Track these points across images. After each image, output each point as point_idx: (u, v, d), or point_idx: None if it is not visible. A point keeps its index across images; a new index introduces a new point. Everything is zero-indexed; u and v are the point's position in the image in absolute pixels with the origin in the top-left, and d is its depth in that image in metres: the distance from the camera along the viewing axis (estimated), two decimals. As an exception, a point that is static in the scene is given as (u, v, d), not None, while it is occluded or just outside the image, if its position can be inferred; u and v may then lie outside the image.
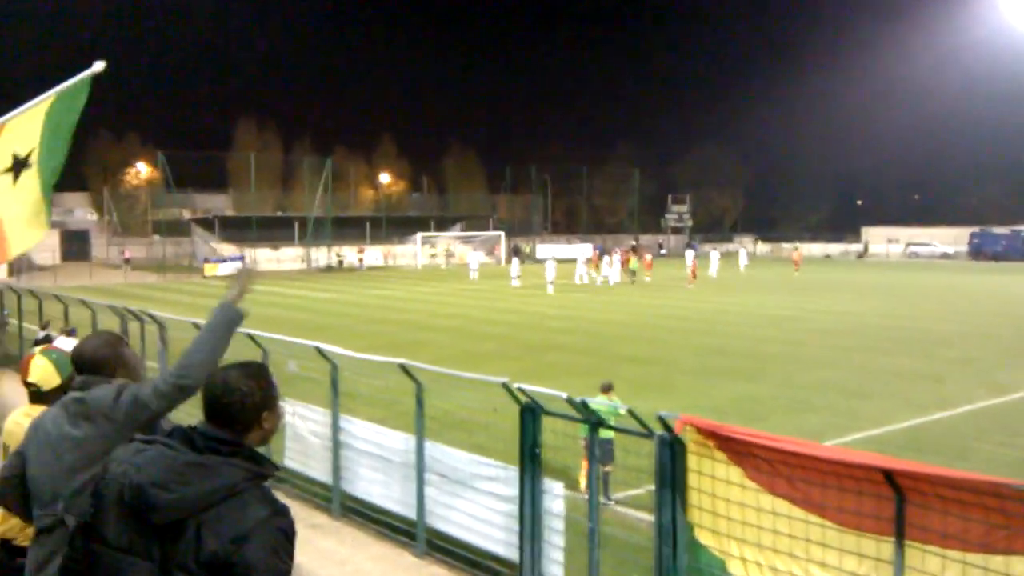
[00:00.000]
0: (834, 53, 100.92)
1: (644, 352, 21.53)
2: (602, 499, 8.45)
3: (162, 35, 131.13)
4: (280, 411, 2.64)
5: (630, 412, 6.42)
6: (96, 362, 3.73)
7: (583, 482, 8.88)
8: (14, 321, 20.46)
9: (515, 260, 47.06)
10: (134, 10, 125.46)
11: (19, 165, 5.05)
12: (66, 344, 4.34)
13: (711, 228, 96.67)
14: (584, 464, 9.13)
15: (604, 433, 8.33)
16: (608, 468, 9.68)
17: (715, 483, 5.66)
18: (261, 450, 2.64)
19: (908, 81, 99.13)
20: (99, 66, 4.82)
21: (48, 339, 12.44)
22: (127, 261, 60.44)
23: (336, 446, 9.61)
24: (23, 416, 4.42)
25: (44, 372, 4.28)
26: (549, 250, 70.77)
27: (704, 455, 5.73)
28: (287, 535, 2.41)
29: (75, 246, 70.88)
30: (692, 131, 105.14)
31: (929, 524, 4.67)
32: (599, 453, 7.30)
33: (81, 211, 75.47)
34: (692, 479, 5.82)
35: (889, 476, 4.74)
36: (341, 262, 63.67)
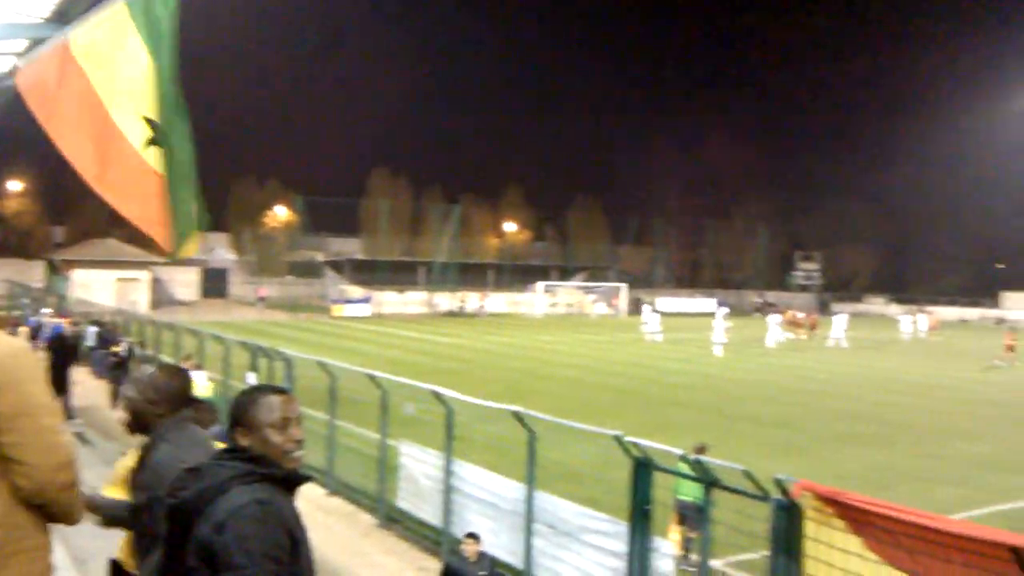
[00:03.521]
0: (975, 110, 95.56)
1: (770, 413, 20.91)
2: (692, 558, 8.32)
3: (302, 89, 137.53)
4: (262, 433, 2.75)
5: (746, 473, 6.27)
6: None
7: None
8: (150, 353, 21.60)
9: (652, 313, 45.72)
10: (275, 68, 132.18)
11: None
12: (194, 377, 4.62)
13: (840, 287, 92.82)
14: (672, 525, 8.93)
15: (689, 495, 8.29)
16: (693, 535, 8.92)
17: (832, 552, 5.46)
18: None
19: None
20: None
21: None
22: (262, 299, 63.05)
23: (448, 490, 9.73)
24: None
25: None
26: (671, 304, 69.83)
27: (822, 522, 5.55)
28: (261, 520, 2.52)
29: (214, 284, 74.54)
30: (823, 186, 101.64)
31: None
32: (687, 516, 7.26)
33: (221, 250, 79.25)
34: (808, 546, 5.64)
35: (1017, 553, 4.49)
36: (463, 308, 64.67)
